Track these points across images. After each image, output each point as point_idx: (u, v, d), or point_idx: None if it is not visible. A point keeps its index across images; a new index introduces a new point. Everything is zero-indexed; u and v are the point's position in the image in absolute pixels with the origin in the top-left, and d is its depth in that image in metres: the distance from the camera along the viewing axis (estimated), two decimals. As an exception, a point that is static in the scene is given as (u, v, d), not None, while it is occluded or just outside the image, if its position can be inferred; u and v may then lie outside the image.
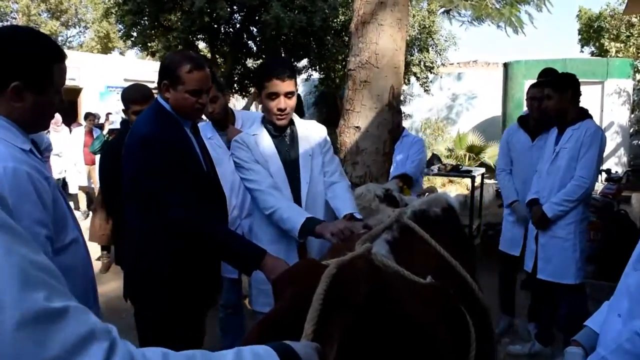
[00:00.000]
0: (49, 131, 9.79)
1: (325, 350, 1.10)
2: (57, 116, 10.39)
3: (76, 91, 15.58)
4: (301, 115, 4.71)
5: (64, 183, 9.96)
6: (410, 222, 2.01)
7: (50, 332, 0.69)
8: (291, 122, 2.70)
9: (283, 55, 14.79)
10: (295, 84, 2.61)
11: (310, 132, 2.75)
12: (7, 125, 1.58)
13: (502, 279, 4.50)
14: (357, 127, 3.28)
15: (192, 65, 2.33)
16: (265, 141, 2.64)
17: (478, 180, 7.97)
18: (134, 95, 3.44)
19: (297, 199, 2.61)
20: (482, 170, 8.22)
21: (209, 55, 15.33)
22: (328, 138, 2.85)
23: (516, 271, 4.45)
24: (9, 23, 24.29)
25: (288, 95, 2.55)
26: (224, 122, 3.50)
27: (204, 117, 3.19)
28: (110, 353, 0.76)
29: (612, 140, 12.14)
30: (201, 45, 16.01)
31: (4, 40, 1.57)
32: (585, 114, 3.69)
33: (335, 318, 1.16)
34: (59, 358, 0.68)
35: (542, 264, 3.75)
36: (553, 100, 3.67)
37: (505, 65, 13.11)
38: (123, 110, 3.81)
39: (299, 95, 4.88)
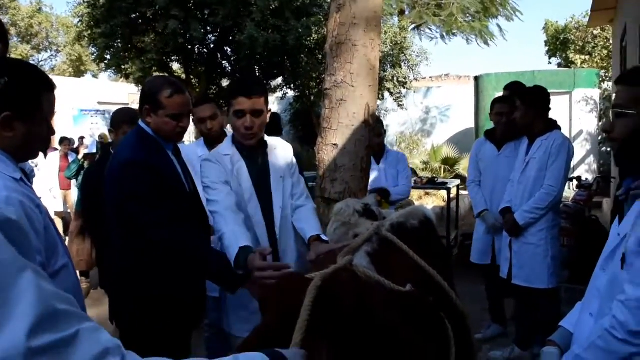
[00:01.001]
0: None
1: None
2: None
3: (49, 115, 15.40)
4: (279, 133, 4.79)
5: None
6: (389, 234, 2.10)
7: (63, 356, 0.74)
8: (262, 142, 2.65)
9: (258, 74, 14.89)
10: (266, 102, 2.54)
11: (279, 152, 2.72)
12: None
13: (487, 288, 4.62)
14: (334, 144, 3.37)
15: (173, 90, 2.39)
16: (238, 162, 2.58)
17: (454, 191, 8.12)
18: (124, 117, 3.55)
19: (270, 223, 2.60)
20: (457, 182, 8.37)
21: (183, 76, 15.34)
22: (294, 158, 2.82)
23: (497, 279, 4.56)
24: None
25: (256, 113, 2.48)
26: (219, 140, 3.55)
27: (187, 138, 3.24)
28: None
29: (582, 147, 12.45)
30: (175, 66, 16.03)
31: None
32: (553, 125, 3.85)
33: (323, 327, 1.23)
34: None
35: (516, 270, 3.88)
36: (519, 113, 3.83)
37: (476, 78, 13.39)
38: (110, 131, 3.87)
39: (276, 114, 4.97)
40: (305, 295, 1.30)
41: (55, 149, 10.40)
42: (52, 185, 9.46)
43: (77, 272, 6.20)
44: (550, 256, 3.78)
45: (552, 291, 3.81)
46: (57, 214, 9.67)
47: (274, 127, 4.68)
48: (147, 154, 2.38)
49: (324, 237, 2.49)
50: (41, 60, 27.81)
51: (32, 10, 25.57)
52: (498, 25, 17.69)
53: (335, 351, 1.19)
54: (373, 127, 3.52)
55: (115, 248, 2.53)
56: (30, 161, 8.56)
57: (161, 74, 15.00)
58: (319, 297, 1.31)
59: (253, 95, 2.45)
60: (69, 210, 9.46)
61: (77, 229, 6.08)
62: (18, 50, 24.96)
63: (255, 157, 2.63)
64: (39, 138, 1.71)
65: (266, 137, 2.69)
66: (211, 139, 3.54)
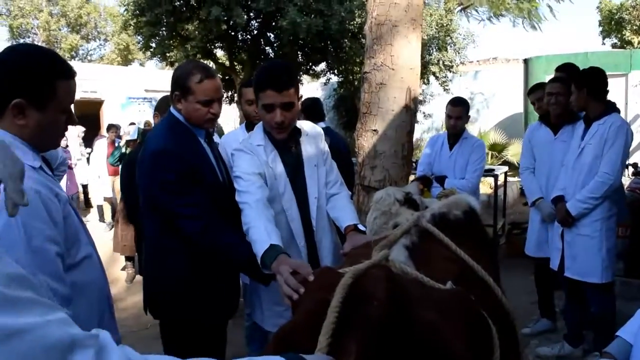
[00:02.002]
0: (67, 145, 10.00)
1: None
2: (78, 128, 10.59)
3: (98, 103, 15.80)
4: (321, 119, 4.66)
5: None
6: (429, 225, 1.97)
7: (27, 349, 0.67)
8: (295, 131, 2.51)
9: (301, 59, 14.82)
10: (296, 92, 2.35)
11: (311, 139, 2.57)
12: (15, 142, 1.57)
13: (537, 283, 4.42)
14: (374, 130, 3.24)
15: (202, 75, 2.32)
16: (271, 154, 2.43)
17: (501, 178, 7.85)
18: (169, 102, 3.52)
19: (305, 215, 2.49)
20: (505, 168, 8.10)
21: (227, 62, 15.42)
22: (325, 143, 2.68)
23: (549, 271, 4.35)
24: (30, 39, 24.82)
25: (286, 106, 2.30)
26: None
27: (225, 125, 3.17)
28: (100, 359, 0.74)
29: (638, 133, 11.86)
30: (219, 53, 16.11)
31: (8, 57, 1.58)
32: (611, 108, 3.61)
33: (352, 330, 1.13)
34: None
35: (568, 262, 3.68)
36: (574, 97, 3.63)
37: (526, 61, 12.91)
38: (155, 115, 3.85)
39: (318, 99, 4.85)
40: (335, 294, 1.21)
41: (103, 136, 10.64)
42: (100, 172, 9.69)
43: (124, 257, 6.42)
44: (605, 249, 3.54)
45: (606, 285, 3.58)
46: (105, 199, 9.94)
47: (316, 113, 4.56)
48: (177, 143, 2.33)
49: (360, 227, 2.38)
50: (90, 50, 28.60)
51: (81, 0, 26.19)
52: (548, 6, 16.97)
53: (366, 358, 1.08)
54: (415, 112, 3.37)
55: (149, 236, 2.52)
56: (65, 151, 8.79)
57: (203, 61, 15.15)
58: (349, 297, 1.21)
59: (283, 88, 2.26)
60: (116, 197, 9.68)
61: (121, 215, 6.18)
62: (68, 40, 25.69)
63: (289, 146, 2.49)
64: (55, 127, 1.66)
65: (298, 123, 2.54)
66: (257, 122, 3.47)
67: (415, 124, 4.02)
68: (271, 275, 2.14)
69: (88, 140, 11.27)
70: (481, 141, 4.74)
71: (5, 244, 1.44)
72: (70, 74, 1.66)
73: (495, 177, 7.25)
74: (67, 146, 10.13)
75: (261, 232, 2.06)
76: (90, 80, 14.84)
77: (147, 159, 2.33)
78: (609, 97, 3.71)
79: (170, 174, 2.26)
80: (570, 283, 3.73)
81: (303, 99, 3.93)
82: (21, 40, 23.49)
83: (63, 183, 9.95)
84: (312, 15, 12.49)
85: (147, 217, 2.48)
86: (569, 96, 3.87)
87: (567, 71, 4.34)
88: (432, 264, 1.72)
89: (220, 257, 2.34)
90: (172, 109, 2.44)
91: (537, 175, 4.26)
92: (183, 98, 2.36)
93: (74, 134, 10.28)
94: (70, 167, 10.15)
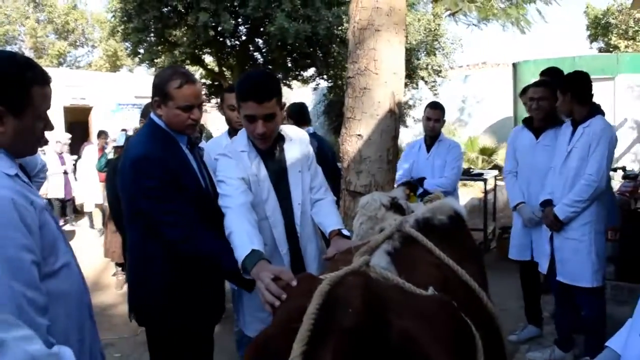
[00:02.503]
0: (61, 152, 9.92)
1: None
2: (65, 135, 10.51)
3: (87, 110, 15.71)
4: (308, 123, 4.65)
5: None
6: (412, 230, 1.95)
7: None
8: (279, 137, 2.48)
9: (290, 65, 14.81)
10: (278, 102, 2.33)
11: (295, 144, 2.55)
12: None
13: (523, 286, 4.41)
14: (359, 135, 3.21)
15: (182, 80, 2.30)
16: (255, 160, 2.41)
17: (491, 183, 7.86)
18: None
19: (290, 222, 2.47)
20: (495, 172, 8.11)
21: (216, 68, 15.39)
22: (310, 148, 2.66)
23: (537, 275, 4.34)
24: (17, 46, 24.68)
25: (268, 117, 2.28)
26: None
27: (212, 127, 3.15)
28: None
29: (627, 136, 11.90)
30: (208, 59, 16.09)
31: None
32: (595, 111, 3.61)
33: (327, 338, 1.10)
34: None
35: (559, 267, 3.66)
36: (559, 101, 3.68)
37: (514, 65, 12.98)
38: (141, 121, 3.82)
39: (303, 104, 4.84)
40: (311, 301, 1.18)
41: (92, 143, 10.59)
42: (90, 178, 9.64)
43: (114, 264, 6.36)
44: (595, 252, 3.53)
45: (596, 289, 3.56)
46: (96, 205, 9.88)
47: (302, 118, 4.56)
48: (158, 149, 2.31)
49: (345, 232, 2.35)
50: (78, 57, 28.45)
51: (68, 7, 26.09)
52: (537, 10, 17.11)
53: (340, 367, 1.05)
54: (399, 116, 3.35)
55: (133, 242, 2.50)
56: (60, 157, 8.75)
57: (192, 67, 15.09)
58: (326, 304, 1.18)
59: (264, 100, 2.23)
60: (106, 203, 9.61)
61: (110, 221, 6.15)
62: (55, 47, 25.54)
63: (272, 153, 2.48)
64: (32, 133, 1.65)
65: (282, 128, 2.52)
66: (239, 128, 3.44)
67: (405, 129, 4.11)
68: (254, 281, 2.12)
69: (76, 147, 11.18)
70: (457, 143, 5.04)
71: None
72: (45, 79, 1.66)
73: (485, 181, 7.25)
74: (61, 153, 10.07)
75: (242, 237, 2.03)
76: (79, 87, 14.76)
77: (128, 166, 2.30)
78: (597, 100, 3.72)
79: (151, 181, 2.23)
80: (561, 287, 3.71)
81: (290, 104, 3.88)
82: (8, 48, 23.33)
83: (60, 189, 9.92)
84: (300, 21, 12.50)
85: (129, 224, 2.46)
86: (552, 100, 3.90)
87: (551, 75, 4.37)
88: (414, 270, 1.70)
89: (203, 264, 2.31)
90: (152, 115, 2.42)
91: (519, 179, 4.26)
92: (163, 104, 2.33)
93: (64, 141, 10.22)
94: (66, 173, 10.09)
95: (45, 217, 1.64)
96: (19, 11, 24.68)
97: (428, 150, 4.88)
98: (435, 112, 4.78)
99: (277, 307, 1.52)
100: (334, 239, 2.33)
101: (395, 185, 3.40)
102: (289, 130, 2.60)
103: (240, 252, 1.98)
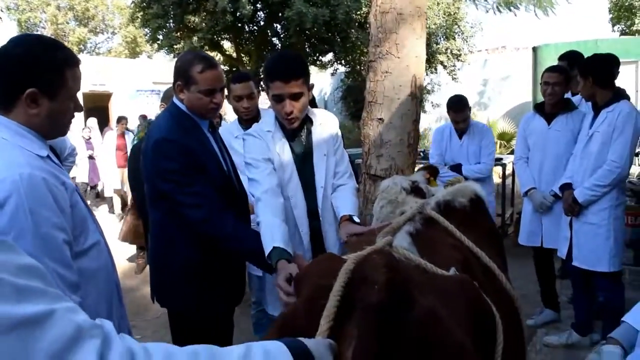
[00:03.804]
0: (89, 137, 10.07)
1: (341, 349, 1.08)
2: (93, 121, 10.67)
3: (106, 96, 15.87)
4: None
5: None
6: (433, 213, 1.96)
7: (34, 338, 0.67)
8: (306, 119, 2.52)
9: (308, 50, 14.77)
10: (306, 82, 2.37)
11: (324, 128, 2.57)
12: (23, 132, 1.59)
13: (538, 271, 4.41)
14: (380, 119, 3.23)
15: (204, 64, 2.32)
16: (280, 141, 2.46)
17: (510, 167, 7.80)
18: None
19: (312, 204, 2.51)
20: (513, 157, 8.03)
21: (234, 54, 15.41)
22: (339, 132, 2.69)
23: (551, 260, 4.34)
24: (38, 33, 24.88)
25: (295, 96, 2.32)
26: (254, 120, 3.50)
27: (228, 117, 3.18)
28: (105, 349, 0.75)
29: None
30: (226, 44, 16.10)
31: (16, 48, 1.59)
32: (620, 95, 3.57)
33: (352, 315, 1.13)
34: None
35: (576, 251, 3.65)
36: (580, 85, 3.64)
37: (534, 49, 12.78)
38: (161, 106, 3.86)
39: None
40: (337, 279, 1.21)
41: (111, 129, 10.70)
42: (110, 164, 9.76)
43: (135, 247, 6.45)
44: (613, 238, 3.51)
45: (614, 274, 3.56)
46: (115, 191, 10.01)
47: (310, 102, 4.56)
48: (180, 132, 2.34)
49: (355, 219, 2.38)
50: (98, 43, 28.65)
51: (88, -7, 26.24)
52: (560, -10, 16.73)
53: (366, 342, 1.08)
54: (421, 100, 3.35)
55: (155, 225, 2.53)
56: (87, 143, 8.86)
57: (210, 52, 15.13)
58: (351, 282, 1.21)
59: (291, 79, 2.28)
60: (125, 189, 9.74)
61: (133, 205, 6.22)
62: (75, 33, 25.76)
63: (299, 134, 2.52)
64: (65, 114, 1.69)
65: (311, 112, 2.55)
66: (246, 118, 3.49)
67: (423, 114, 4.11)
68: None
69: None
70: (488, 127, 5.06)
71: (14, 231, 1.46)
72: (75, 60, 1.69)
73: (504, 166, 7.21)
74: (89, 138, 10.21)
75: (266, 232, 2.14)
76: (99, 73, 14.90)
77: (151, 148, 2.33)
78: (619, 84, 3.67)
79: (173, 163, 2.27)
80: (579, 272, 3.71)
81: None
82: (29, 34, 23.52)
83: (85, 173, 10.08)
84: (319, 6, 12.44)
85: (152, 206, 2.49)
86: (566, 86, 3.88)
87: (570, 59, 4.33)
88: (435, 251, 1.72)
89: (225, 245, 2.34)
90: (174, 99, 2.44)
91: (531, 164, 4.27)
92: (185, 88, 2.35)
93: (93, 125, 10.39)
94: (92, 158, 10.24)
95: (76, 197, 1.69)
96: (40, -2, 24.92)
97: (460, 137, 4.84)
98: (459, 115, 4.73)
99: (299, 285, 1.56)
100: (343, 223, 2.37)
101: (416, 169, 3.41)
102: (318, 113, 2.62)
103: (267, 246, 2.09)
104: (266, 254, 2.06)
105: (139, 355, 0.79)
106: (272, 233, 2.11)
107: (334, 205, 2.54)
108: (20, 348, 0.65)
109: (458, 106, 4.75)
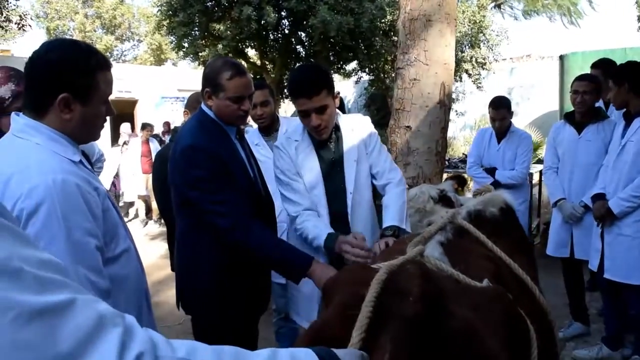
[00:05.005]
0: (125, 142, 10.21)
1: None
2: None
3: (132, 103, 16.08)
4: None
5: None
6: (464, 222, 1.93)
7: (57, 326, 0.67)
8: (336, 127, 2.55)
9: (332, 58, 14.78)
10: (330, 93, 2.41)
11: (355, 134, 2.58)
12: (56, 137, 1.59)
13: (567, 283, 4.31)
14: (407, 126, 3.20)
15: (233, 72, 2.31)
16: (307, 149, 2.51)
17: (536, 177, 7.69)
18: (199, 98, 3.56)
19: (342, 209, 2.52)
20: (540, 167, 7.91)
21: (258, 62, 15.49)
22: (374, 131, 2.68)
23: (580, 272, 4.24)
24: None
25: (320, 110, 2.38)
26: (271, 128, 3.50)
27: (252, 123, 3.19)
28: (127, 338, 0.74)
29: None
30: (251, 52, 16.21)
31: (49, 53, 1.59)
32: (654, 103, 3.49)
33: (386, 326, 1.10)
34: (73, 350, 0.66)
35: (608, 263, 3.56)
36: (612, 93, 3.55)
37: (561, 57, 12.60)
38: (185, 113, 3.90)
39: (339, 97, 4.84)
40: (369, 289, 1.18)
41: (136, 135, 10.82)
42: (134, 170, 9.86)
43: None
44: (648, 250, 3.42)
45: (648, 287, 3.46)
46: (139, 197, 10.10)
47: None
48: (208, 139, 2.33)
49: (387, 233, 2.34)
50: (124, 50, 29.12)
51: (115, 2, 26.73)
52: (588, 0, 16.55)
53: (400, 354, 1.05)
54: (450, 108, 3.31)
55: (181, 231, 2.52)
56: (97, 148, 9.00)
57: (229, 58, 15.17)
58: (383, 292, 1.18)
59: (312, 94, 2.34)
60: (149, 194, 9.83)
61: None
62: (102, 41, 26.24)
63: (328, 142, 2.54)
64: (97, 119, 1.69)
65: (341, 118, 2.57)
66: (260, 126, 3.50)
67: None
68: (301, 273, 2.17)
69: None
70: (528, 134, 5.03)
71: (46, 238, 1.46)
72: (107, 64, 1.69)
73: (530, 175, 7.10)
74: (124, 144, 10.35)
75: (316, 228, 2.36)
76: (125, 80, 15.11)
77: (178, 155, 2.33)
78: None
79: (201, 170, 2.26)
80: (610, 285, 3.62)
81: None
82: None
83: (108, 179, 10.22)
84: (343, 14, 12.45)
85: (178, 213, 2.49)
86: (597, 95, 3.81)
87: (603, 67, 4.25)
88: (467, 261, 1.68)
89: (252, 253, 2.33)
90: (203, 106, 2.44)
91: (560, 174, 4.20)
92: (214, 95, 2.35)
93: (127, 130, 10.55)
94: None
95: (108, 203, 1.69)
96: (69, 6, 25.45)
97: (498, 141, 4.85)
98: (499, 112, 4.72)
99: (331, 295, 1.53)
100: (376, 243, 2.33)
101: (444, 177, 3.37)
102: (349, 119, 2.63)
103: (319, 240, 2.30)
104: (322, 244, 2.27)
105: (161, 345, 0.78)
106: (323, 225, 2.35)
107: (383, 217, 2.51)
108: (42, 336, 0.65)
109: (497, 104, 4.75)
